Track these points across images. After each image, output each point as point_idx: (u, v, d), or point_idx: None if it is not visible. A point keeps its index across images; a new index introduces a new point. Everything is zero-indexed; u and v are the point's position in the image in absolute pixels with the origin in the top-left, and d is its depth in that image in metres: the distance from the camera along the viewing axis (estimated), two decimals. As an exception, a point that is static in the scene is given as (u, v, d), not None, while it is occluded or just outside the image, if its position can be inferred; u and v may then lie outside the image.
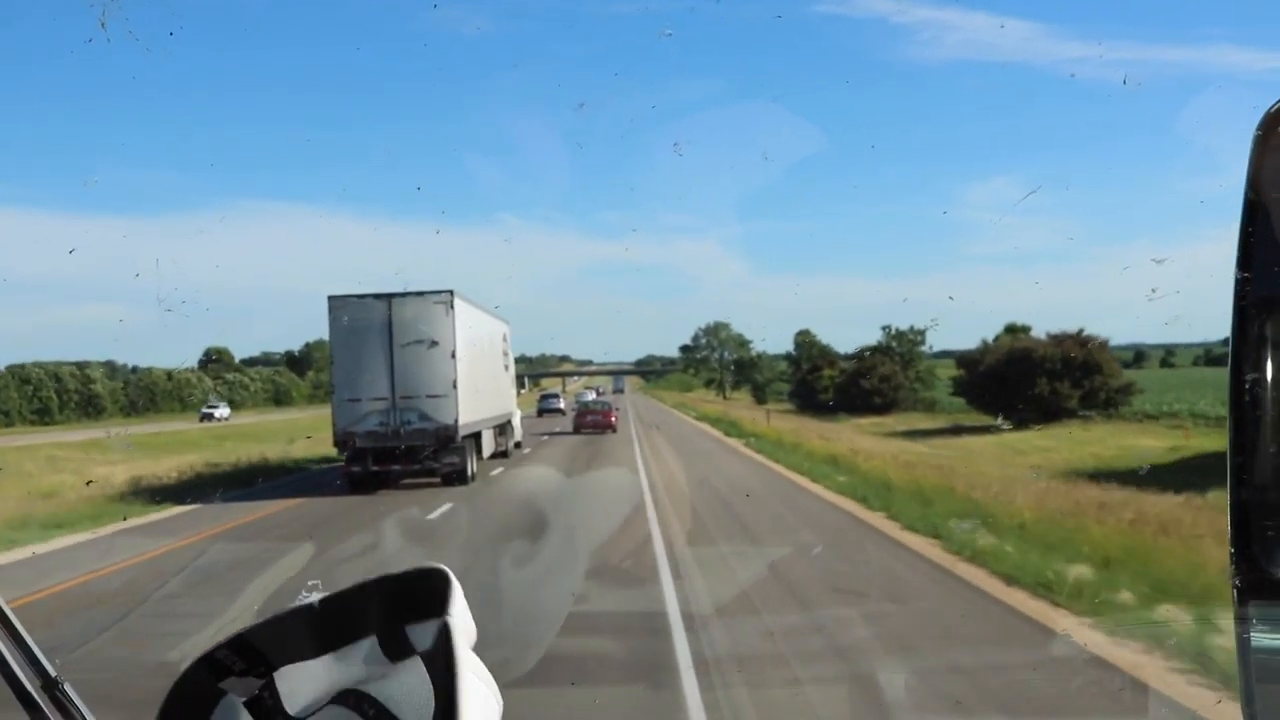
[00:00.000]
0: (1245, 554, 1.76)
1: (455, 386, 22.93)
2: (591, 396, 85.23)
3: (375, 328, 22.78)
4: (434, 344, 22.86)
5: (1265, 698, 1.81)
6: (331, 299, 22.92)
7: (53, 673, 2.06)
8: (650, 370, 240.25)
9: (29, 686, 2.02)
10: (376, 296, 22.89)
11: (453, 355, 22.99)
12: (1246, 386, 1.74)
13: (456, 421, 22.86)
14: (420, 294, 23.11)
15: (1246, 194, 1.76)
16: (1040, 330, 58.69)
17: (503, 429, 30.61)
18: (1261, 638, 1.78)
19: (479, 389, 25.50)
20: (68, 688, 2.07)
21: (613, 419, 48.39)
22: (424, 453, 22.91)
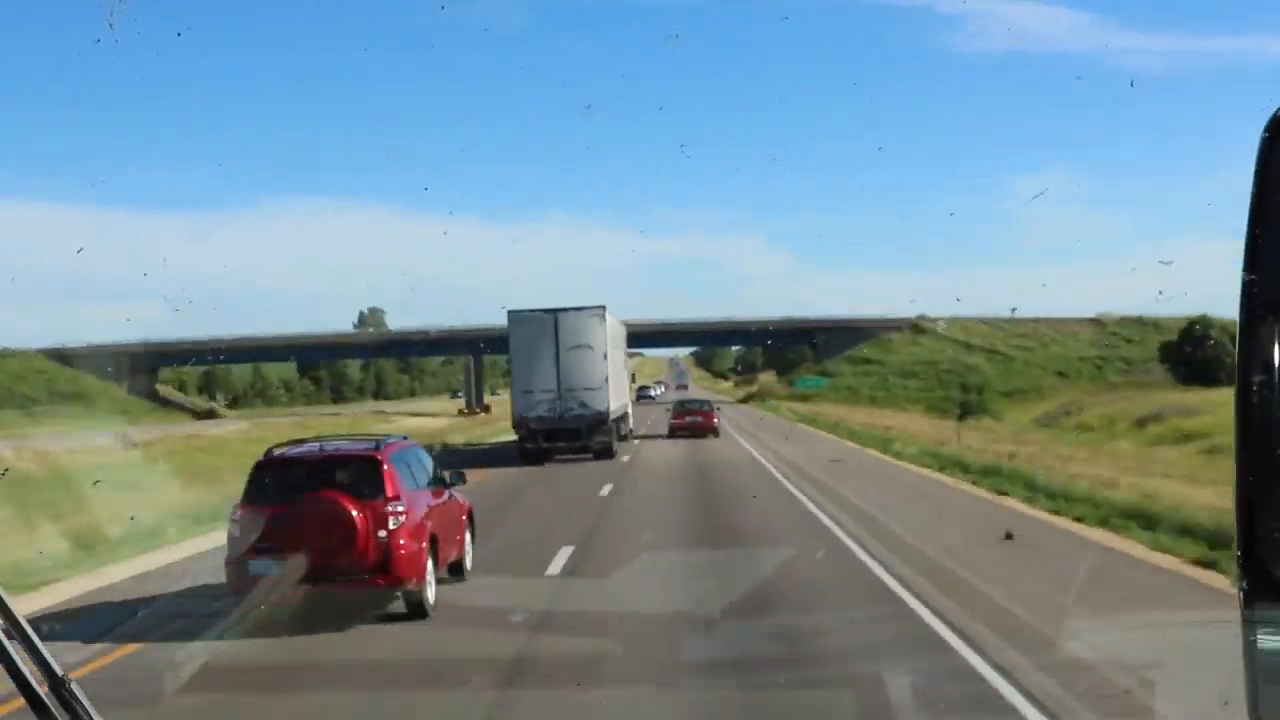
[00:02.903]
0: (1251, 556, 1.75)
1: (606, 381, 29.13)
2: (660, 391, 77.18)
3: (546, 335, 28.89)
4: (589, 348, 29.04)
5: (1271, 700, 1.80)
6: (511, 313, 29.55)
7: (59, 672, 2.06)
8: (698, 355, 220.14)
9: (36, 686, 2.02)
10: (546, 311, 29.33)
11: (604, 357, 29.24)
12: (1254, 388, 1.73)
13: (607, 409, 29.13)
14: (579, 309, 29.36)
15: (1254, 196, 1.75)
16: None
17: (623, 417, 35.83)
18: (1268, 640, 1.77)
19: (617, 383, 31.66)
20: (74, 687, 2.07)
21: (715, 420, 41.30)
22: (581, 433, 28.99)
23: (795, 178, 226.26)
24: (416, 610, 10.34)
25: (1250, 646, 1.78)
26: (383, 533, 10.11)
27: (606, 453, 29.11)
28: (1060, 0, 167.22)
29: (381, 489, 10.38)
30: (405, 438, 12.52)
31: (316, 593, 10.01)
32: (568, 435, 28.92)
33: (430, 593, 10.46)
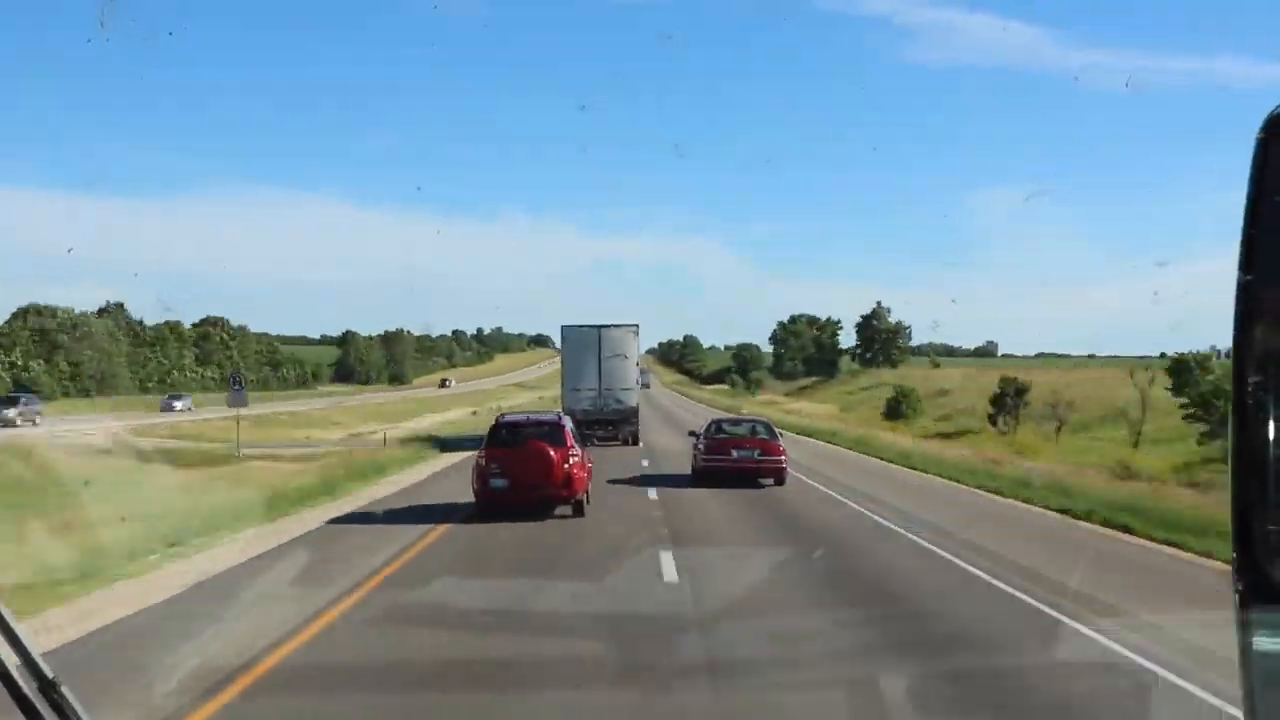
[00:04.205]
0: (1247, 559, 1.74)
1: (636, 383, 37.67)
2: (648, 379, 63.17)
3: (591, 345, 36.37)
4: (625, 358, 36.64)
5: (1268, 703, 1.79)
6: (564, 328, 37.53)
7: (50, 675, 2.05)
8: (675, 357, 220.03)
9: (26, 689, 2.01)
10: (591, 327, 36.82)
11: (636, 365, 37.59)
12: (1249, 389, 1.72)
13: (637, 406, 37.46)
14: (619, 326, 37.03)
15: (1249, 195, 1.74)
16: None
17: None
18: (1264, 642, 1.77)
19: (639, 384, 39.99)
20: (65, 690, 2.06)
21: (782, 459, 23.84)
22: (616, 423, 36.44)
23: (759, 185, 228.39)
24: (578, 511, 17.79)
25: (1246, 649, 1.77)
26: (566, 465, 17.45)
27: (634, 440, 36.90)
28: (1018, 14, 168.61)
29: (564, 441, 17.97)
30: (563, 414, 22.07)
31: (525, 498, 17.18)
32: (605, 425, 35.77)
33: (586, 502, 18.14)
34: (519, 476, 17.26)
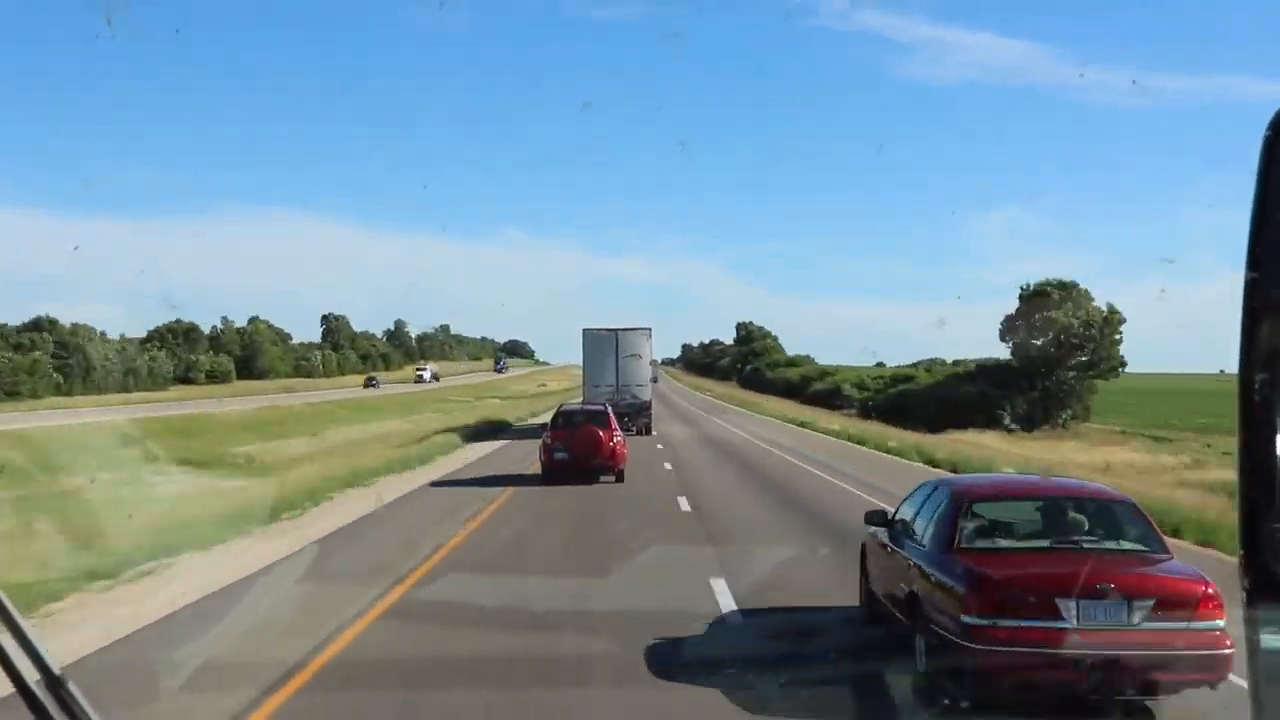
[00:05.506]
0: (1254, 556, 1.74)
1: (649, 380, 42.47)
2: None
3: (609, 346, 40.85)
4: (639, 357, 41.17)
5: (1275, 698, 1.79)
6: (585, 330, 41.53)
7: (57, 671, 2.05)
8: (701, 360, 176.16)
9: (33, 685, 2.01)
10: (609, 330, 41.41)
11: (650, 363, 42.66)
12: (1256, 388, 1.72)
13: (650, 400, 42.11)
14: (634, 329, 41.73)
15: (1256, 194, 1.74)
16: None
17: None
18: (1271, 639, 1.77)
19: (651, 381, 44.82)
20: (72, 687, 2.06)
21: (1223, 639, 6.87)
22: (632, 416, 38.95)
23: (749, 206, 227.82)
24: (620, 478, 23.25)
25: (1254, 646, 1.77)
26: (611, 443, 23.14)
27: (647, 430, 40.52)
28: (1019, 32, 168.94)
29: (609, 424, 23.80)
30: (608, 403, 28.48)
31: (581, 467, 22.65)
32: (620, 418, 40.61)
33: (624, 471, 23.55)
34: (576, 450, 22.86)
